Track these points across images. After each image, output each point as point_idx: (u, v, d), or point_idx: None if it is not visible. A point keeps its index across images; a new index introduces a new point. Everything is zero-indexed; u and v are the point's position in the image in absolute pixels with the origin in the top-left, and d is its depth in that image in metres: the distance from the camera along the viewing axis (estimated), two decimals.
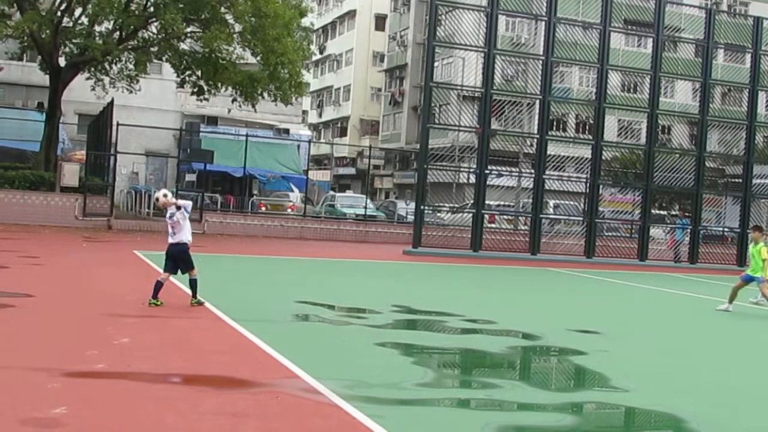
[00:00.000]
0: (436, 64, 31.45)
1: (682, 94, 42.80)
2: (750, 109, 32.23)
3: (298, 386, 7.77)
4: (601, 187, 31.08)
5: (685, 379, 9.59)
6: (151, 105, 44.73)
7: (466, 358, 10.46)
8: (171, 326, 10.77)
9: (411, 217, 32.37)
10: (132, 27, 30.74)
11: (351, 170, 73.80)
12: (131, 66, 32.06)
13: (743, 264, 30.67)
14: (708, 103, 31.82)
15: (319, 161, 77.03)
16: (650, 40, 31.88)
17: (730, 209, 34.11)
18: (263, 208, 37.81)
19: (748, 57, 32.83)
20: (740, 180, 32.63)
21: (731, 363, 11.05)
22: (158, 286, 12.01)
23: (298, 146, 48.68)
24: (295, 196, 40.98)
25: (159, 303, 11.94)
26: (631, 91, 36.41)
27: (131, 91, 32.71)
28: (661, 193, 36.64)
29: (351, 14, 78.83)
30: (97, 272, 16.47)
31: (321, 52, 78.09)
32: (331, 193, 46.69)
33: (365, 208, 36.65)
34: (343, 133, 79.68)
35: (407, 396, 7.85)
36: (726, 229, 34.69)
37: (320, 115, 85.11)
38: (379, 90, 76.30)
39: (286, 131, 53.81)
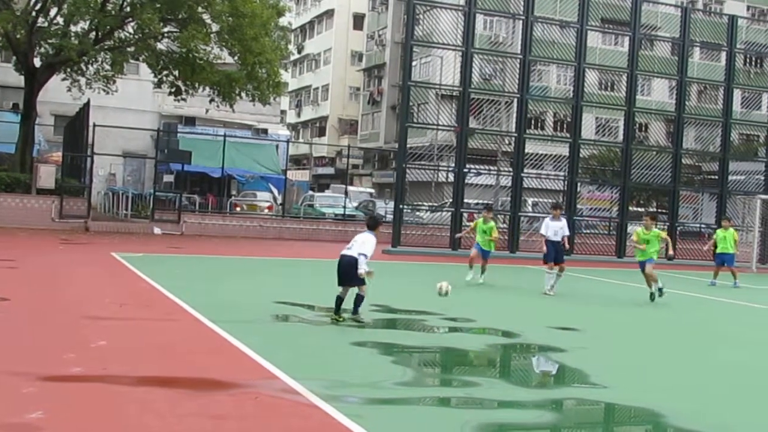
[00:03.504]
0: (414, 63, 31.51)
1: (658, 92, 43.10)
2: (725, 106, 32.47)
3: (276, 387, 7.74)
4: (579, 184, 31.23)
5: (663, 375, 9.64)
6: (128, 105, 44.44)
7: (445, 357, 10.47)
8: (149, 329, 10.71)
9: (390, 217, 32.35)
10: (108, 27, 30.56)
11: (330, 170, 73.73)
12: (108, 66, 31.88)
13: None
14: (684, 101, 32.04)
15: (298, 161, 76.91)
16: (627, 39, 32.07)
17: (707, 206, 34.36)
18: (239, 209, 37.71)
19: (724, 55, 33.05)
20: (716, 176, 32.87)
21: (710, 358, 11.12)
22: (337, 301, 11.67)
23: (277, 146, 48.58)
24: (268, 196, 40.85)
25: (341, 319, 11.60)
26: (609, 89, 36.59)
27: (108, 92, 32.52)
28: (639, 190, 36.84)
29: (329, 13, 78.77)
30: (74, 275, 16.36)
31: (299, 52, 77.95)
32: (310, 192, 46.63)
33: (344, 207, 36.60)
34: (321, 132, 79.61)
35: (386, 395, 7.84)
36: (703, 226, 34.93)
37: (299, 115, 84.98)
38: (358, 89, 76.30)
39: (265, 131, 53.68)
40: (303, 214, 37.12)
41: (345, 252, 11.67)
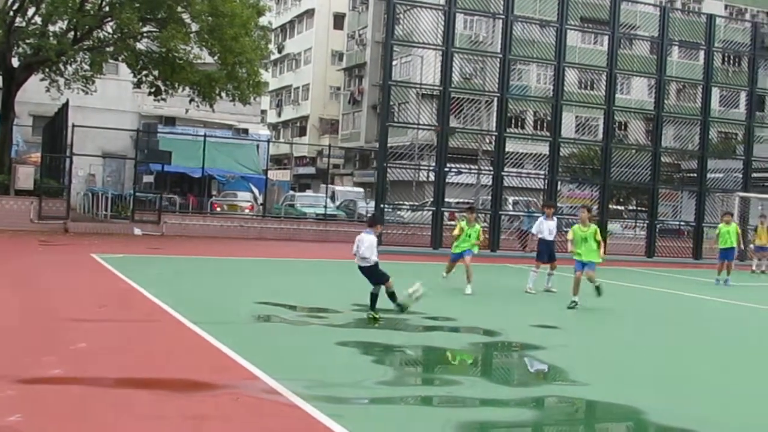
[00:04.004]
0: (394, 62, 31.52)
1: (637, 91, 43.30)
2: (704, 104, 32.66)
3: (258, 387, 7.73)
4: (559, 183, 31.32)
5: (643, 372, 9.69)
6: (108, 106, 44.20)
7: (426, 356, 10.49)
8: (130, 330, 10.66)
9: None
10: (87, 26, 30.39)
11: (311, 170, 73.66)
12: (86, 66, 31.68)
13: (699, 257, 31.16)
14: (663, 100, 32.21)
15: (278, 161, 76.79)
16: (606, 38, 32.19)
17: (686, 203, 34.56)
18: (218, 209, 37.59)
19: (702, 54, 33.23)
20: (695, 174, 33.05)
21: (689, 354, 11.19)
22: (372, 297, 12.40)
23: (257, 146, 48.46)
24: (248, 196, 40.77)
25: (377, 316, 12.19)
26: (588, 88, 36.77)
27: (87, 92, 32.32)
28: (619, 189, 37.01)
29: (309, 13, 78.67)
30: (54, 276, 16.26)
31: (279, 51, 77.87)
32: (291, 192, 46.56)
33: (325, 207, 36.58)
34: (302, 132, 79.50)
35: (368, 395, 7.86)
36: (682, 223, 35.13)
37: (279, 115, 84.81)
38: (339, 89, 76.23)
39: (245, 131, 53.56)
40: (284, 214, 37.07)
41: (360, 264, 12.29)
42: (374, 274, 12.23)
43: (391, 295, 12.37)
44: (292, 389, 7.52)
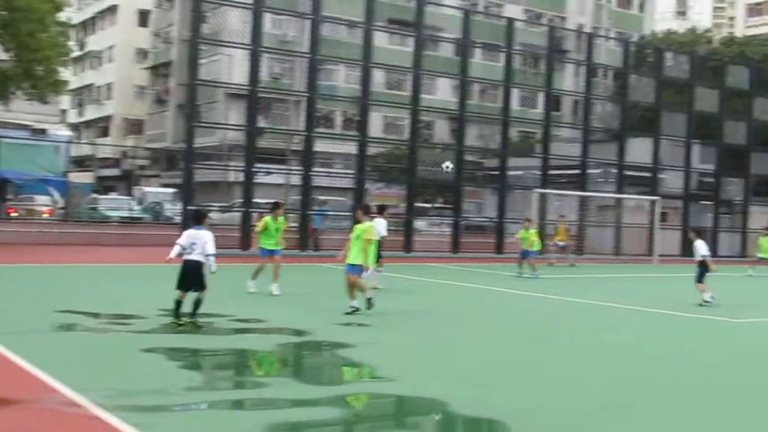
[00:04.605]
0: (202, 61, 30.99)
1: (442, 91, 44.58)
2: (504, 105, 34.04)
3: (57, 400, 7.38)
4: (367, 182, 31.75)
5: (451, 366, 9.97)
6: None
7: (236, 359, 10.39)
8: None
9: (178, 219, 31.69)
10: None
11: (115, 171, 71.23)
12: None
13: (501, 252, 32.43)
14: (466, 100, 33.31)
15: (81, 162, 73.80)
16: (412, 39, 32.91)
17: (489, 200, 35.91)
18: (14, 214, 35.75)
19: (502, 56, 34.57)
20: (497, 172, 34.38)
21: (497, 348, 11.59)
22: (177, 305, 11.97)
23: (57, 147, 46.32)
24: (47, 199, 39.03)
25: (182, 323, 11.69)
26: (395, 88, 37.52)
27: None
28: (425, 187, 37.96)
29: (112, 9, 76.24)
30: None
31: (81, 49, 74.82)
32: (93, 195, 44.88)
33: (130, 210, 35.52)
34: (105, 132, 76.88)
35: (175, 401, 7.69)
36: (485, 220, 36.47)
37: (81, 114, 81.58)
38: (144, 88, 74.22)
39: (43, 131, 51.08)
40: (86, 218, 35.69)
41: (189, 257, 11.97)
42: (202, 276, 11.93)
43: (198, 303, 12.11)
44: (94, 400, 7.24)
